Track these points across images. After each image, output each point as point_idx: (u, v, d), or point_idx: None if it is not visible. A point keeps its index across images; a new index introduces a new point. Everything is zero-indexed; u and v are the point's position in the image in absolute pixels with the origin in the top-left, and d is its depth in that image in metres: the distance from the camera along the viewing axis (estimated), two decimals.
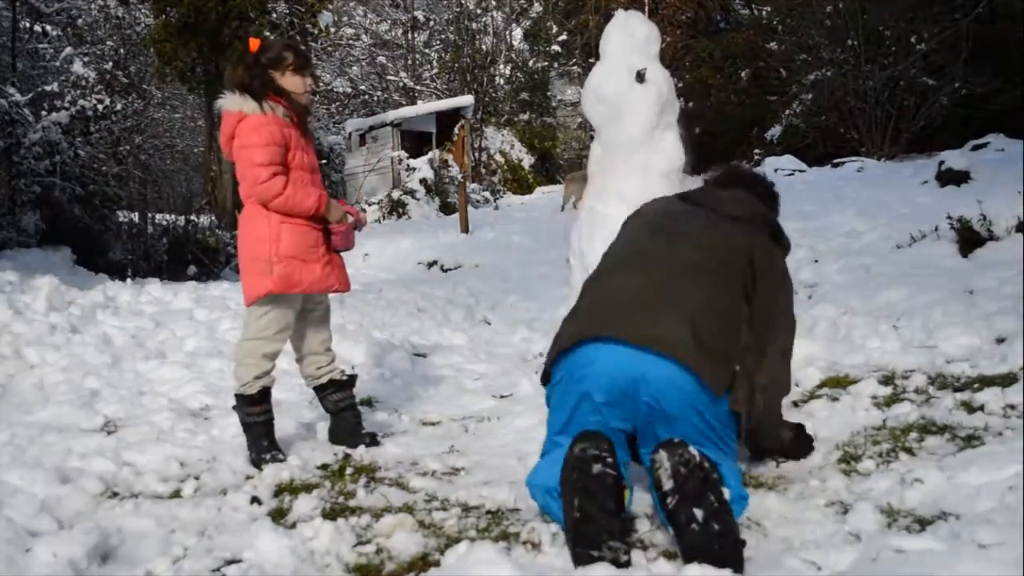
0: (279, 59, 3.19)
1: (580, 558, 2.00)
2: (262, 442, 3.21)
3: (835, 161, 13.58)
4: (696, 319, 2.28)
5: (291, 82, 3.21)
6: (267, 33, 14.82)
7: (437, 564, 2.19)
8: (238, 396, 3.26)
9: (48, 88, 10.70)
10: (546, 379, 2.48)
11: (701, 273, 2.41)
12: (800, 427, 2.87)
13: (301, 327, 3.40)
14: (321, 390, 3.48)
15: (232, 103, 3.14)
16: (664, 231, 2.60)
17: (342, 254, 3.40)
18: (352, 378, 3.57)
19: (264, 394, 3.26)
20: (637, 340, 2.25)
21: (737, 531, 2.02)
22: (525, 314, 7.01)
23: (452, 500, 2.67)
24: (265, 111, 3.12)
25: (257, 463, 3.14)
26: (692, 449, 2.10)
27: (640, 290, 2.38)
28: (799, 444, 2.81)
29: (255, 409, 3.23)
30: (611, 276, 2.53)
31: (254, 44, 3.23)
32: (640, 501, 2.43)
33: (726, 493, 2.05)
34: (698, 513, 1.98)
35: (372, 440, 3.37)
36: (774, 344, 2.62)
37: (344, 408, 3.46)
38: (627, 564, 1.99)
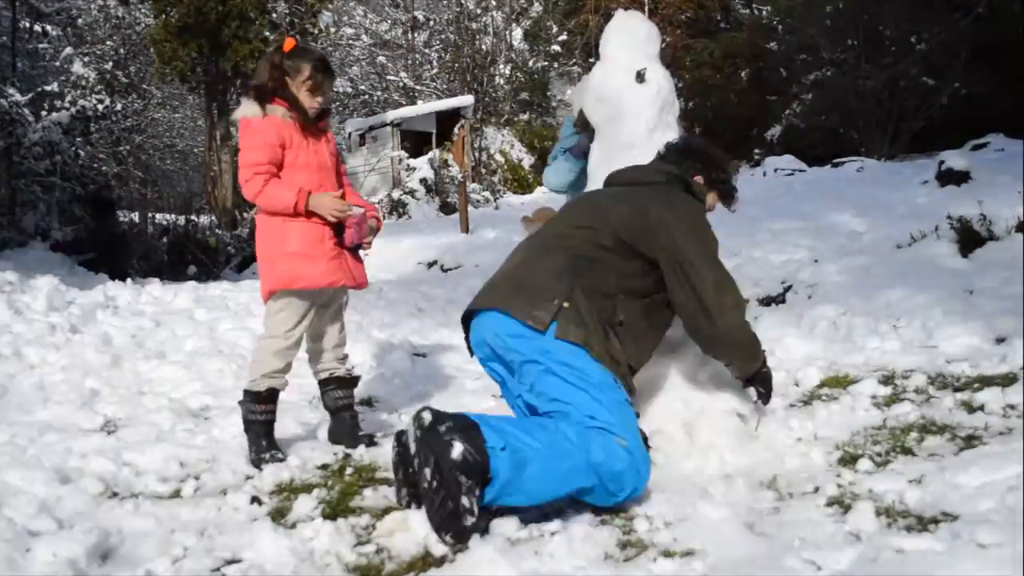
0: (297, 71, 3.23)
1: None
2: (261, 442, 3.21)
3: (835, 161, 13.57)
4: (519, 275, 2.65)
5: (304, 94, 3.24)
6: (267, 33, 14.84)
7: (437, 564, 2.19)
8: (245, 391, 3.27)
9: (48, 88, 10.70)
10: (466, 327, 2.80)
11: (556, 242, 2.71)
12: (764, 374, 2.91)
13: (315, 322, 3.40)
14: (324, 384, 3.50)
15: (242, 111, 3.25)
16: (558, 217, 2.95)
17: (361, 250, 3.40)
18: (355, 378, 3.57)
19: (271, 394, 3.26)
20: (490, 305, 2.64)
21: (456, 492, 2.13)
22: None
23: None
24: (266, 113, 3.19)
25: (257, 463, 3.14)
26: (425, 414, 2.28)
27: (501, 271, 2.78)
28: (760, 377, 2.88)
29: (258, 407, 3.23)
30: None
31: (289, 44, 3.28)
32: (640, 501, 2.44)
33: (455, 452, 2.17)
34: (427, 472, 2.21)
35: (370, 441, 3.37)
36: (701, 291, 2.65)
37: (342, 407, 3.46)
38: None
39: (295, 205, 3.14)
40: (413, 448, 2.31)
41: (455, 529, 2.17)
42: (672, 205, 2.74)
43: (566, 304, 2.50)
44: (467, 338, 2.79)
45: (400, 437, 2.44)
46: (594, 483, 2.33)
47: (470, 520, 2.15)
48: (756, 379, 2.87)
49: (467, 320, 2.76)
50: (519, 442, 2.28)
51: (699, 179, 2.98)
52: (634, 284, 2.66)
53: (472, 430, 2.24)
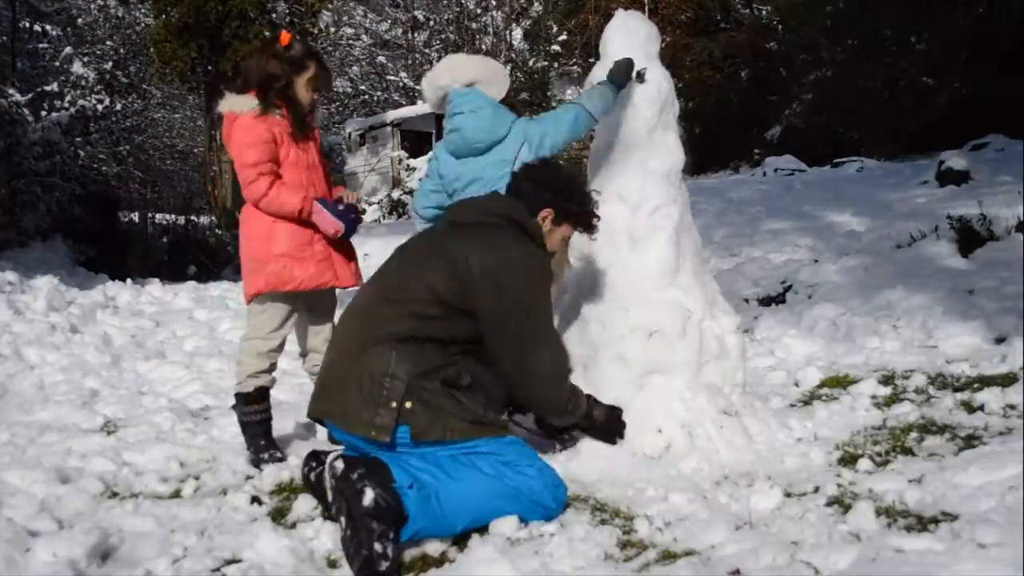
0: (303, 67, 3.19)
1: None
2: (259, 442, 3.20)
3: (835, 161, 13.58)
4: (343, 380, 2.46)
5: (302, 91, 3.21)
6: (267, 33, 14.83)
7: (437, 564, 2.20)
8: (236, 395, 3.27)
9: (48, 88, 10.70)
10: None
11: (371, 331, 2.49)
12: (612, 410, 2.81)
13: (305, 323, 3.40)
14: None
15: (227, 104, 3.17)
16: (376, 275, 2.71)
17: (351, 246, 3.38)
18: None
19: (261, 393, 3.25)
20: (328, 419, 2.56)
21: (368, 540, 2.13)
22: None
23: None
24: (258, 110, 3.13)
25: (257, 463, 3.14)
26: (338, 463, 2.28)
27: (326, 365, 2.65)
28: (607, 426, 2.79)
29: (250, 408, 3.22)
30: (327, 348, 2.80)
31: (286, 38, 3.22)
32: (640, 501, 2.43)
33: (367, 499, 2.17)
34: (342, 520, 2.21)
35: None
36: (524, 370, 2.54)
37: None
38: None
39: (300, 211, 3.12)
40: (330, 496, 2.31)
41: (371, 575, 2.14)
42: (496, 260, 2.49)
43: (407, 404, 2.35)
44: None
45: (318, 482, 2.48)
46: (519, 506, 2.35)
47: (384, 565, 2.12)
48: (590, 429, 2.79)
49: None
50: (429, 475, 2.30)
51: (547, 212, 2.68)
52: (468, 342, 2.50)
53: (382, 472, 2.25)
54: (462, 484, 2.31)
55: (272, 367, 3.29)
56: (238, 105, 3.15)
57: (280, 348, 3.30)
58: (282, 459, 3.16)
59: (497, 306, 2.47)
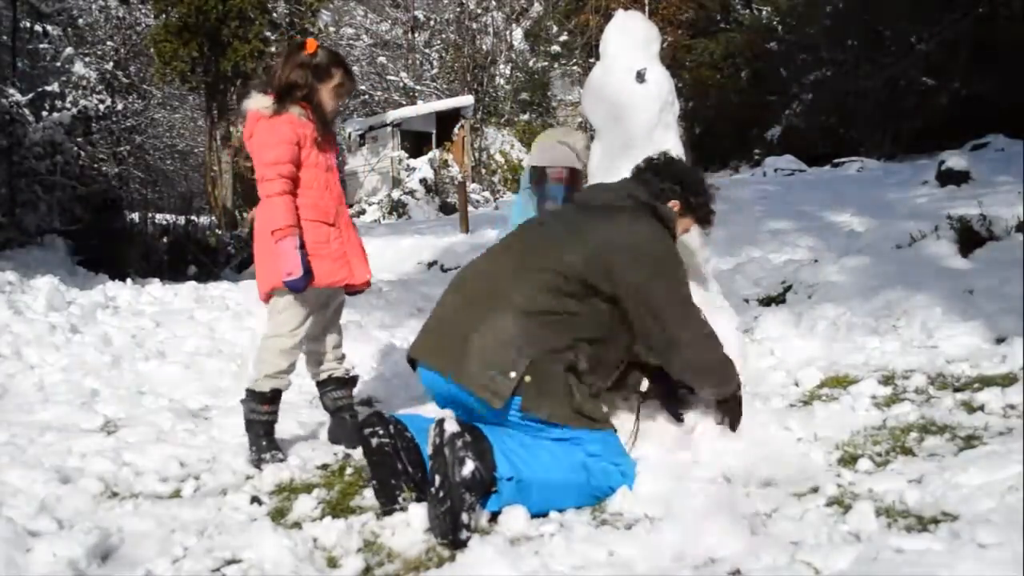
0: (328, 75, 3.20)
1: (386, 513, 2.49)
2: (262, 442, 3.21)
3: (835, 161, 13.60)
4: (467, 335, 2.47)
5: (326, 98, 3.22)
6: (267, 33, 14.84)
7: (437, 564, 2.20)
8: (248, 391, 3.26)
9: (48, 88, 10.70)
10: (412, 365, 2.72)
11: (505, 294, 2.52)
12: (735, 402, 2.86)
13: (316, 322, 3.40)
14: (322, 386, 3.49)
15: (254, 103, 3.18)
16: (504, 246, 2.77)
17: (357, 245, 3.37)
18: (353, 378, 3.57)
19: (275, 395, 3.25)
20: (438, 368, 2.55)
21: (458, 508, 2.23)
22: None
23: None
24: (283, 111, 3.14)
25: (257, 463, 3.14)
26: (449, 425, 2.32)
27: (444, 315, 2.65)
28: (732, 409, 2.84)
29: (262, 408, 3.22)
30: (442, 298, 2.75)
31: (312, 46, 3.22)
32: (641, 502, 2.44)
33: (466, 469, 2.26)
34: (436, 479, 2.27)
35: None
36: (673, 339, 2.60)
37: (341, 407, 3.46)
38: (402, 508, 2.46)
39: (276, 231, 3.09)
40: (429, 450, 2.35)
41: (451, 539, 2.25)
42: (635, 237, 2.61)
43: (527, 379, 2.41)
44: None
45: (399, 430, 2.51)
46: (591, 502, 2.48)
47: (464, 535, 2.24)
48: (728, 403, 2.83)
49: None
50: (524, 464, 2.39)
51: (675, 203, 2.82)
52: (592, 327, 2.56)
53: (488, 454, 2.36)
54: (551, 477, 2.40)
55: (291, 367, 3.28)
56: (262, 103, 3.16)
57: (300, 346, 3.30)
58: (282, 459, 3.16)
59: (643, 277, 2.55)
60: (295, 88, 3.15)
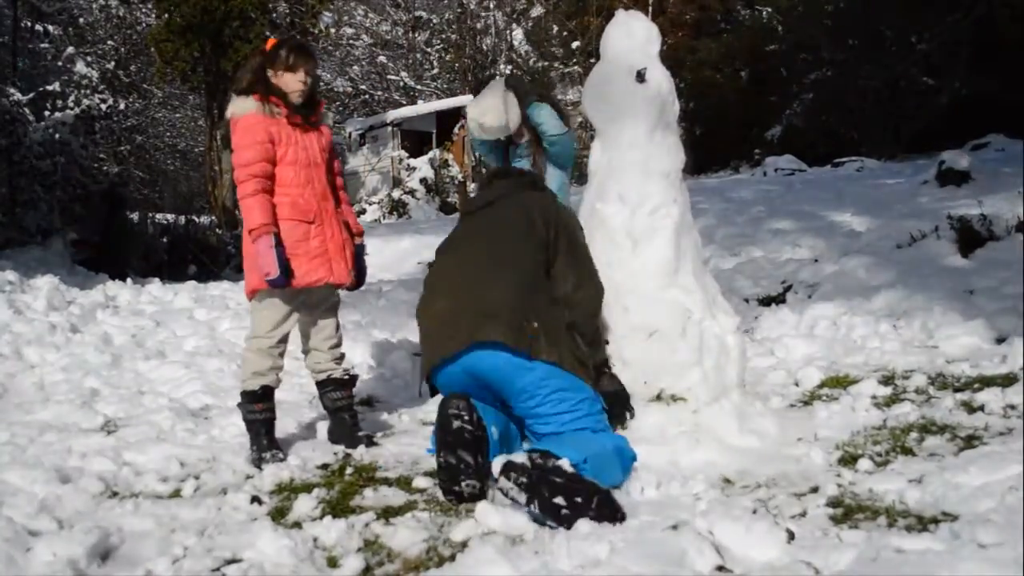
0: (273, 58, 3.29)
1: (444, 491, 2.64)
2: (262, 441, 3.21)
3: (835, 161, 13.60)
4: (480, 296, 2.75)
5: (284, 80, 3.28)
6: (268, 33, 14.84)
7: (437, 564, 2.20)
8: (241, 392, 3.29)
9: (49, 88, 10.69)
10: (433, 392, 2.98)
11: (502, 259, 2.88)
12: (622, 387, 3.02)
13: (306, 322, 3.42)
14: (322, 386, 3.50)
15: (230, 109, 3.28)
16: (459, 242, 3.12)
17: (340, 243, 3.37)
18: (353, 378, 3.57)
19: (266, 392, 3.26)
20: (458, 348, 2.73)
21: (587, 489, 2.32)
22: None
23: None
24: (257, 111, 3.21)
25: (257, 463, 3.14)
26: (518, 458, 2.42)
27: (443, 316, 2.84)
28: (621, 396, 2.96)
29: (255, 406, 3.23)
30: (427, 305, 2.96)
31: (269, 44, 3.36)
32: (640, 502, 2.43)
33: (564, 465, 2.38)
34: (559, 501, 2.32)
35: (370, 441, 3.37)
36: (593, 272, 3.05)
37: (341, 407, 3.46)
38: (481, 495, 2.55)
39: (252, 231, 3.13)
40: (523, 498, 2.37)
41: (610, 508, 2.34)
42: (550, 200, 3.22)
43: (535, 324, 2.71)
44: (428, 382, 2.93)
45: (482, 425, 2.65)
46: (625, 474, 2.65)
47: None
48: (613, 395, 2.95)
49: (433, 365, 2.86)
50: (586, 449, 2.52)
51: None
52: (553, 290, 2.92)
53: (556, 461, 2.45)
54: (595, 451, 2.56)
55: (276, 366, 3.30)
56: (238, 108, 3.24)
57: (282, 344, 3.31)
58: (282, 459, 3.16)
59: (573, 228, 3.10)
60: (253, 84, 3.25)
